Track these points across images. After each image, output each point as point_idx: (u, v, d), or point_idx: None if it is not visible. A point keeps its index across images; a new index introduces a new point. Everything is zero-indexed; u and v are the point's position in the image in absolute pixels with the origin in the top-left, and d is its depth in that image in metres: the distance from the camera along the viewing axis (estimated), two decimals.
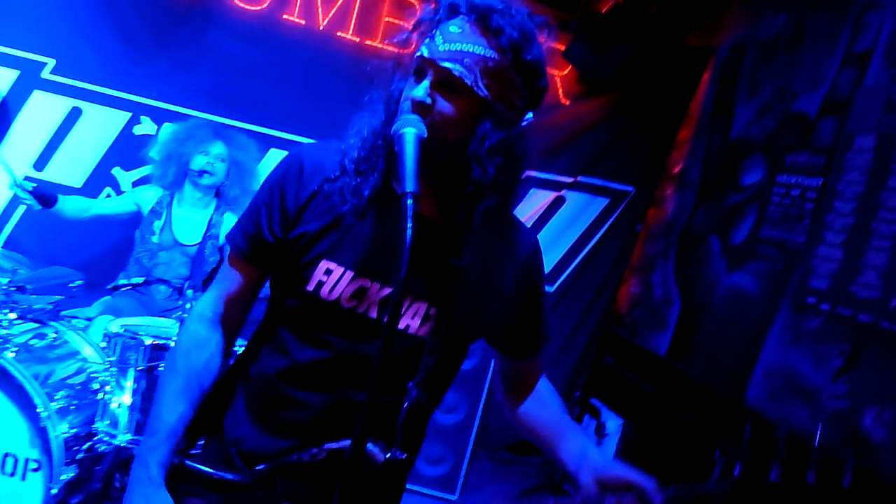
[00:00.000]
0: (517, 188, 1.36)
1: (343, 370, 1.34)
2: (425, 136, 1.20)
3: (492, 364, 3.79)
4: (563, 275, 4.46)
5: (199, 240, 3.56)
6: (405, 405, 1.30)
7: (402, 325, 1.32)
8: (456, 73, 1.22)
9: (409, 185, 1.11)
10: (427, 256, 1.05)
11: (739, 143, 3.75)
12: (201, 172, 3.49)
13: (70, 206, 3.46)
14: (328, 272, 1.32)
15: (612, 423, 3.87)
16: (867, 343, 2.65)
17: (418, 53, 1.26)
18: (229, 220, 3.63)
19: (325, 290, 1.32)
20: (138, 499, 1.32)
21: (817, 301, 2.92)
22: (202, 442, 1.48)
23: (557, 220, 4.38)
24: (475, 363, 3.79)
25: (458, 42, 1.23)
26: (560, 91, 4.20)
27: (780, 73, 3.55)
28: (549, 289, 4.46)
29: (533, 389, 1.57)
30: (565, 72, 4.17)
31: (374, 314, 1.33)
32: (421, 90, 1.23)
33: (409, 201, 1.08)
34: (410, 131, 1.19)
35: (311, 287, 1.32)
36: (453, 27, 1.24)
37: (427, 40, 1.25)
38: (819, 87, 3.23)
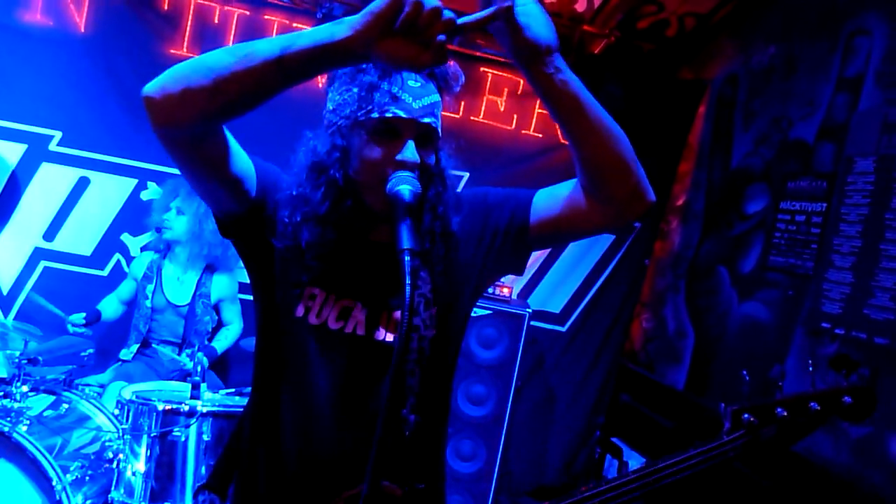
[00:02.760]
0: None
1: (342, 392, 1.35)
2: (419, 191, 1.24)
3: (507, 411, 3.75)
4: (574, 314, 4.43)
5: (189, 299, 3.57)
6: (406, 432, 1.30)
7: (388, 339, 1.36)
8: (434, 125, 1.28)
9: (406, 243, 1.11)
10: (396, 275, 1.07)
11: (740, 172, 3.76)
12: (159, 228, 3.55)
13: (108, 310, 3.62)
14: (312, 297, 1.36)
15: (635, 462, 3.80)
16: (885, 366, 2.61)
17: (388, 114, 1.25)
18: (219, 280, 3.63)
19: (312, 316, 1.36)
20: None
21: (831, 326, 2.89)
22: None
23: (565, 259, 4.37)
24: (491, 410, 3.75)
25: (423, 96, 1.27)
26: (559, 131, 4.24)
27: (774, 102, 3.58)
28: (561, 329, 4.44)
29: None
30: None
31: (361, 332, 1.36)
32: (411, 152, 1.26)
33: (407, 258, 1.08)
34: (406, 188, 1.21)
35: (299, 313, 1.36)
36: (412, 81, 1.27)
37: (388, 99, 1.25)
38: (815, 114, 3.25)
